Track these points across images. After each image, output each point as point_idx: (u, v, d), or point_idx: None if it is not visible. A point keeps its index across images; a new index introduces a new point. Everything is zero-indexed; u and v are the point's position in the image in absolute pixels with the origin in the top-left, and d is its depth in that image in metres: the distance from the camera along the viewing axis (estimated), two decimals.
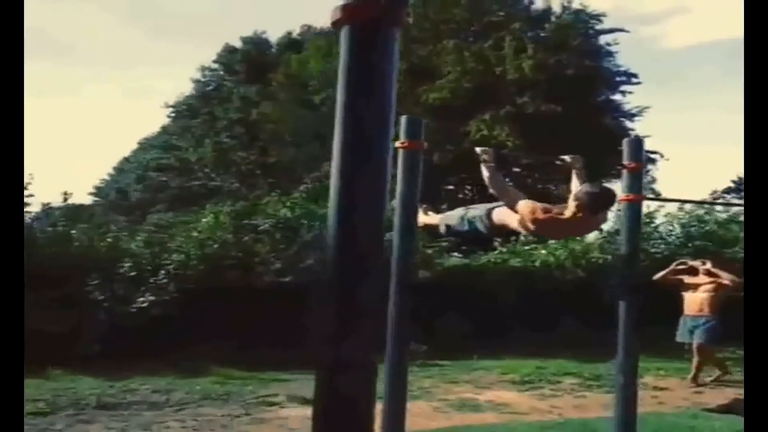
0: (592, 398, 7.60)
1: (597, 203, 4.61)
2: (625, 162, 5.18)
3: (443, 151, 21.14)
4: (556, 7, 22.89)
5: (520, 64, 20.85)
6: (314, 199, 11.77)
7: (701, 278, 9.22)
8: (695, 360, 9.03)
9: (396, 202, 4.60)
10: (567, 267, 11.79)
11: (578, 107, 20.96)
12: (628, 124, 23.17)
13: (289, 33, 29.51)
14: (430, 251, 11.21)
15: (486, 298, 11.08)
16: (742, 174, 26.59)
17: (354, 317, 1.78)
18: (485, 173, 4.78)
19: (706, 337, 8.92)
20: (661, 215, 13.62)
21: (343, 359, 1.76)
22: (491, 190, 4.86)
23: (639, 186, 4.98)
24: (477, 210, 5.28)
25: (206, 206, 13.50)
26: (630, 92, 22.92)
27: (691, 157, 47.06)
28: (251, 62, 28.76)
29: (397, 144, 4.58)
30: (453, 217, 5.39)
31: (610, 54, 23.04)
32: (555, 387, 8.23)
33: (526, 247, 12.41)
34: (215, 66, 30.57)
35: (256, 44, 29.72)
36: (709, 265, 9.30)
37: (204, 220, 11.25)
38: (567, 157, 5.08)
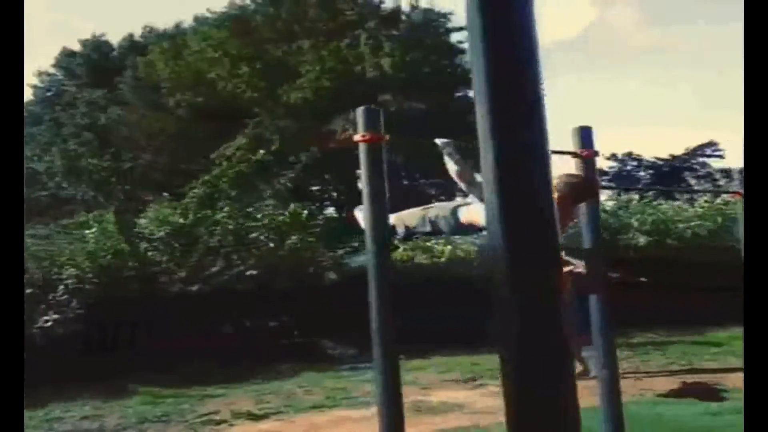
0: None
1: (579, 193, 4.56)
2: (578, 150, 5.18)
3: (308, 151, 20.91)
4: (405, 6, 23.17)
5: (379, 62, 20.90)
6: (209, 204, 11.18)
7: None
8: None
9: (363, 200, 4.36)
10: (475, 261, 11.85)
11: (440, 105, 21.26)
12: None
13: (131, 35, 28.17)
14: (341, 252, 10.95)
15: (399, 296, 10.91)
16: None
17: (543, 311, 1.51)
18: (452, 167, 4.61)
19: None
20: None
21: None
22: (461, 185, 4.69)
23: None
24: (439, 209, 5.13)
25: (71, 216, 12.73)
26: None
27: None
28: (93, 66, 27.25)
29: (356, 137, 4.32)
30: (412, 217, 5.18)
31: (463, 52, 23.47)
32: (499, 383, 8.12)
33: (433, 243, 12.41)
34: (53, 71, 28.71)
35: (96, 47, 28.16)
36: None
37: (87, 231, 10.44)
38: (438, 141, 4.95)
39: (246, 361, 9.18)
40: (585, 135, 5.21)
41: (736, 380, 7.54)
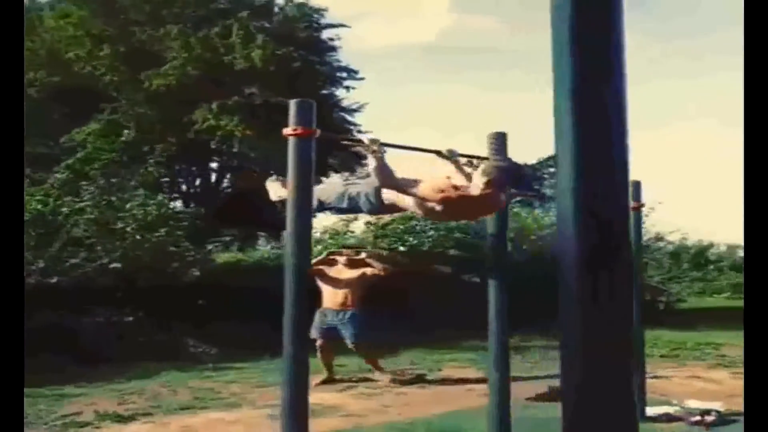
0: (412, 395, 7.56)
1: (507, 178, 4.56)
2: (491, 156, 5.25)
3: (166, 141, 20.30)
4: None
5: (250, 54, 20.51)
6: (73, 191, 10.56)
7: (344, 269, 8.53)
8: (365, 358, 8.49)
9: (288, 195, 4.29)
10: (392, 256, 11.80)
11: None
12: (350, 118, 23.69)
13: None
14: (209, 247, 10.63)
15: (265, 295, 10.72)
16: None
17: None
18: (373, 163, 4.54)
19: (353, 332, 8.20)
20: None
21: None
22: (378, 182, 4.62)
23: None
24: (361, 186, 4.97)
25: None
26: (354, 87, 23.46)
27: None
28: None
29: (286, 131, 4.23)
30: (328, 192, 5.01)
31: (333, 49, 23.45)
32: (369, 385, 8.07)
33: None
34: None
35: None
36: (363, 255, 8.99)
37: None
38: (364, 138, 4.95)
39: (105, 359, 8.75)
40: (499, 141, 5.26)
41: None
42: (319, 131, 4.32)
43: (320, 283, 8.34)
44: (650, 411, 6.25)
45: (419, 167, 5.07)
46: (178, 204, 21.19)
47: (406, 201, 4.69)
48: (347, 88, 23.66)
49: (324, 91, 23.28)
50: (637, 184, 6.46)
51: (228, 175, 24.21)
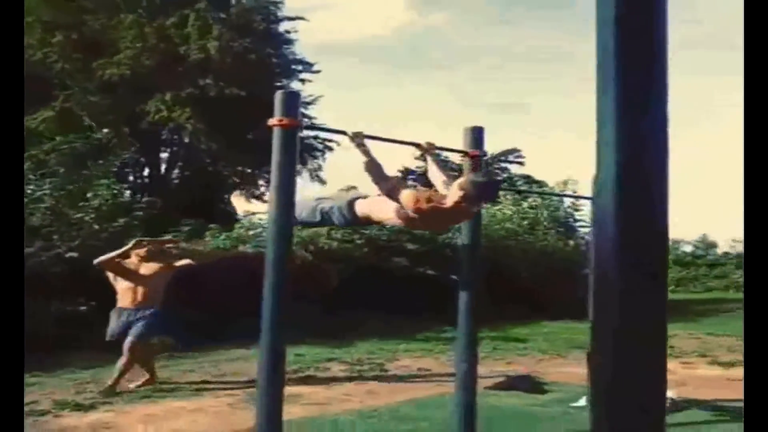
0: (374, 384, 7.62)
1: (484, 194, 4.64)
2: (468, 150, 5.34)
3: (119, 131, 20.07)
4: None
5: (206, 45, 20.35)
6: (32, 180, 10.38)
7: (143, 262, 7.56)
8: (122, 360, 7.09)
9: (271, 186, 4.32)
10: (295, 252, 11.79)
11: (260, 93, 20.97)
12: (304, 111, 23.60)
13: None
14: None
15: (216, 285, 10.71)
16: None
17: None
18: (363, 158, 4.58)
19: (143, 331, 7.20)
20: None
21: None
22: (369, 177, 4.65)
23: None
24: (332, 201, 5.03)
25: None
26: (309, 81, 23.39)
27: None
28: None
29: (271, 121, 4.26)
30: (300, 207, 5.02)
31: (290, 41, 23.36)
32: (327, 374, 8.12)
33: (251, 233, 12.27)
34: None
35: None
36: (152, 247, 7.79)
37: None
38: (348, 131, 4.96)
39: (58, 348, 8.64)
40: (476, 135, 5.34)
41: (554, 374, 8.04)
42: (303, 122, 4.36)
43: (116, 279, 7.55)
44: None
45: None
46: (126, 195, 21.01)
47: (381, 214, 4.75)
48: (302, 80, 23.62)
49: (279, 83, 23.23)
50: None
51: (179, 165, 23.97)
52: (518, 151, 33.35)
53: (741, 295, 21.73)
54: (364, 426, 5.66)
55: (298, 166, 22.64)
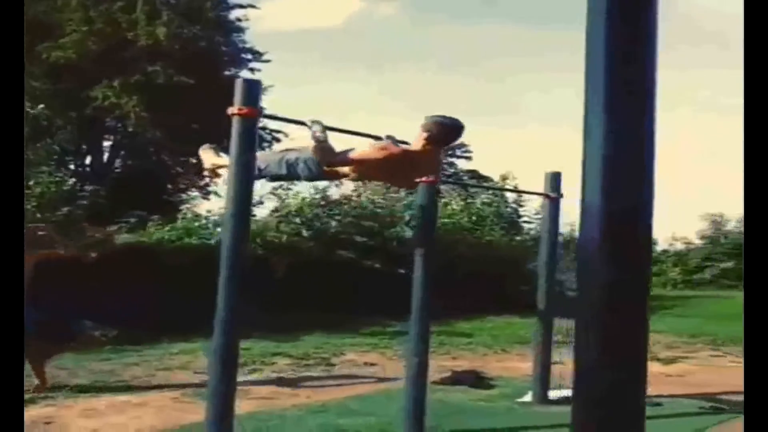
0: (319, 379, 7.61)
1: (447, 134, 4.68)
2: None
3: (65, 116, 19.64)
4: None
5: (154, 31, 20.01)
6: None
7: None
8: None
9: (229, 176, 4.28)
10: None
11: (209, 81, 20.73)
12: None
13: None
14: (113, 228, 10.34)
15: (166, 276, 10.56)
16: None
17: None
18: (313, 143, 4.56)
19: None
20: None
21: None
22: (323, 158, 4.63)
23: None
24: (298, 152, 4.93)
25: None
26: (259, 70, 23.16)
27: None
28: None
29: (231, 110, 4.22)
30: (268, 159, 4.99)
31: (240, 30, 23.10)
32: (275, 369, 8.05)
33: (196, 224, 12.14)
34: None
35: None
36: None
37: None
38: (306, 120, 4.93)
39: None
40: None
41: (498, 369, 8.11)
42: (263, 111, 4.32)
43: None
44: (552, 395, 6.50)
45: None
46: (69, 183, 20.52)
47: (347, 167, 4.73)
48: (252, 70, 23.40)
49: (227, 72, 22.97)
50: (557, 176, 6.66)
51: (122, 153, 23.57)
52: (466, 146, 33.51)
53: (679, 293, 22.29)
54: (312, 421, 5.63)
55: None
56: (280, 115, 5.09)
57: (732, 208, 39.89)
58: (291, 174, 4.97)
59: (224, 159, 6.09)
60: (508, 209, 17.06)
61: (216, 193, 21.71)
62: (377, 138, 5.14)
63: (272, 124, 23.21)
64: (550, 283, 6.84)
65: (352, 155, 4.55)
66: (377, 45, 45.88)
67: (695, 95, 45.64)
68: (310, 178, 5.07)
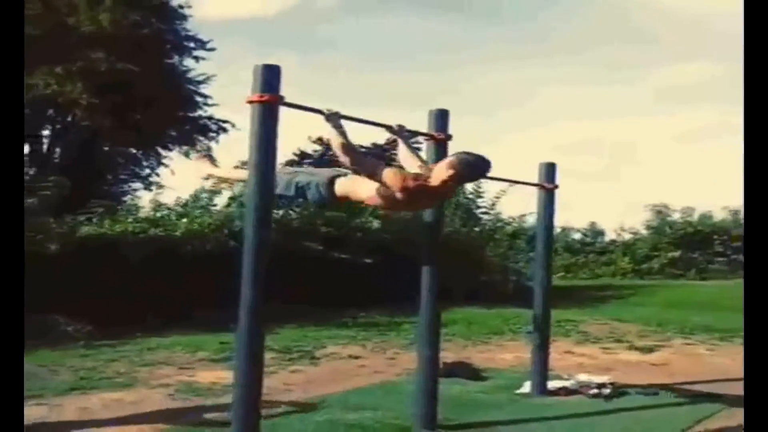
0: (308, 373, 7.43)
1: (475, 172, 4.58)
2: (433, 133, 5.28)
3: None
4: None
5: (97, 17, 19.42)
6: None
7: None
8: None
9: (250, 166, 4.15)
10: (210, 236, 11.43)
11: (153, 69, 20.27)
12: (197, 89, 22.87)
13: None
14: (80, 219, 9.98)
15: (132, 270, 10.28)
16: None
17: None
18: (338, 140, 4.44)
19: None
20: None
21: None
22: (342, 160, 4.50)
23: (445, 156, 5.09)
24: (310, 175, 4.87)
25: None
26: (204, 59, 22.69)
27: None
28: None
29: (251, 97, 4.09)
30: (276, 177, 4.83)
31: (184, 17, 22.60)
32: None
33: (158, 214, 11.87)
34: None
35: None
36: None
37: None
38: (324, 109, 4.86)
39: None
40: (440, 118, 5.28)
41: (483, 360, 8.10)
42: (284, 98, 4.16)
43: None
44: (550, 385, 6.50)
45: None
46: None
47: (362, 193, 4.60)
48: (196, 58, 22.89)
49: (170, 60, 22.44)
50: (552, 166, 6.64)
51: (62, 143, 22.83)
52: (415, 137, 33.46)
53: (629, 282, 22.73)
54: (318, 416, 5.48)
55: (185, 147, 21.82)
56: (300, 103, 4.92)
57: (676, 198, 41.10)
58: (299, 196, 4.89)
59: (220, 170, 5.91)
60: (466, 200, 17.08)
61: (159, 184, 21.36)
62: (388, 127, 5.05)
63: (219, 113, 22.95)
64: (547, 274, 6.81)
65: (383, 175, 4.37)
66: (318, 33, 45.35)
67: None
68: (320, 203, 5.01)
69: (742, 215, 27.13)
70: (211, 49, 22.91)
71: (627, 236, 27.43)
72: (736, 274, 23.69)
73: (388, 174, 4.37)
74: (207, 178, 11.22)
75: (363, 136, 24.78)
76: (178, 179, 23.67)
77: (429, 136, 5.31)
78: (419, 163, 4.79)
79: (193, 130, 22.63)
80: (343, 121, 4.49)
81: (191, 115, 22.81)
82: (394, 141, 5.26)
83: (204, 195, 13.08)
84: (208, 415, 5.48)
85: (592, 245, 28.09)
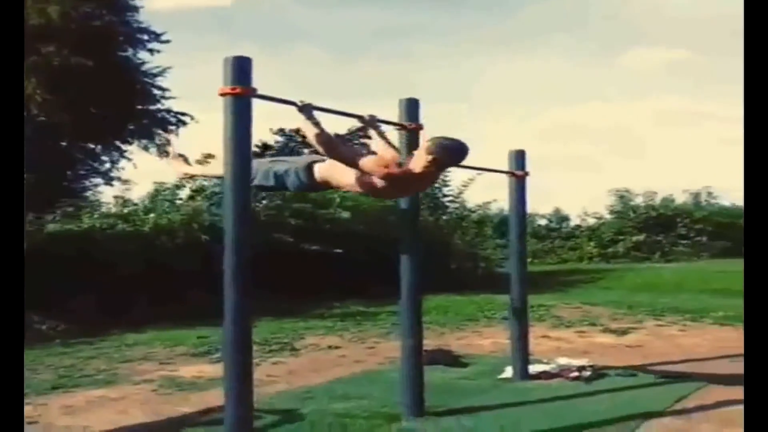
0: (291, 364, 7.43)
1: (453, 158, 4.59)
2: (404, 122, 5.30)
3: None
4: None
5: (45, 9, 19.08)
6: None
7: None
8: None
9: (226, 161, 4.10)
10: (179, 231, 11.35)
11: (107, 62, 19.96)
12: (153, 81, 22.53)
13: None
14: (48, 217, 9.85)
15: (104, 267, 10.17)
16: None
17: None
18: (312, 130, 4.42)
19: None
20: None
21: None
22: (320, 150, 4.50)
23: (417, 145, 5.11)
24: (288, 163, 4.85)
25: None
26: (158, 51, 22.33)
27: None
28: None
29: (223, 89, 4.04)
30: (255, 169, 4.79)
31: (135, 9, 22.23)
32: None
33: (126, 210, 11.77)
34: None
35: None
36: None
37: None
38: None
39: None
40: (410, 107, 5.31)
41: (461, 347, 8.16)
42: (257, 90, 4.13)
43: None
44: (532, 369, 6.58)
45: None
46: None
47: (342, 179, 4.61)
48: (151, 51, 22.55)
49: (123, 53, 22.08)
50: (522, 153, 6.70)
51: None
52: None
53: (595, 266, 23.01)
54: (304, 407, 5.49)
55: (144, 141, 21.49)
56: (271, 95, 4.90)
57: (637, 183, 41.56)
58: (279, 185, 4.87)
59: (194, 168, 5.88)
60: (432, 190, 17.16)
61: (122, 179, 21.11)
62: (360, 117, 5.05)
63: (177, 106, 22.63)
64: (522, 261, 6.88)
65: (361, 163, 4.40)
66: (271, 25, 44.95)
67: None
68: (301, 189, 4.97)
69: (703, 198, 27.63)
70: (166, 41, 22.57)
71: (591, 221, 27.81)
72: (699, 256, 24.13)
73: (370, 161, 4.39)
74: (185, 177, 11.10)
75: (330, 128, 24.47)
76: (140, 173, 23.31)
77: (400, 126, 5.31)
78: (393, 152, 4.82)
79: (152, 124, 22.36)
80: (315, 113, 4.48)
81: (150, 108, 22.51)
82: (358, 130, 5.29)
83: (166, 191, 13.01)
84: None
85: (557, 230, 28.42)
